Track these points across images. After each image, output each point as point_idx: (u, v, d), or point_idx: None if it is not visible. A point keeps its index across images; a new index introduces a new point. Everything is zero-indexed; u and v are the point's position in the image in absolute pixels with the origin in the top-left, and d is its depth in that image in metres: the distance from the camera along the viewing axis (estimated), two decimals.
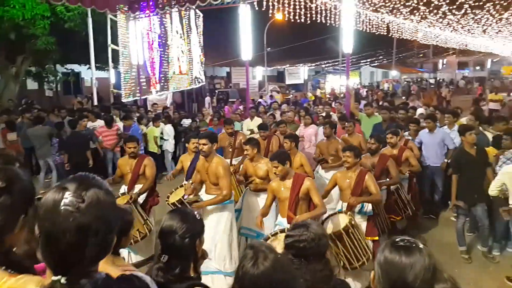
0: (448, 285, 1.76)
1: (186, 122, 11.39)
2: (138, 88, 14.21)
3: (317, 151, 7.14)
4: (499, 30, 21.98)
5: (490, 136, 6.90)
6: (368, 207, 4.81)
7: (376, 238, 4.75)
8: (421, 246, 1.52)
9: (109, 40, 13.94)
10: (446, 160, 6.95)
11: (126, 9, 13.08)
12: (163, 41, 15.68)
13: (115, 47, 13.97)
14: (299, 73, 41.30)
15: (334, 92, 29.40)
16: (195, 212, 2.27)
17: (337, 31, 16.56)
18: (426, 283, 1.45)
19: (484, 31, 21.84)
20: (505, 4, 13.28)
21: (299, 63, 38.49)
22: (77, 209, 1.12)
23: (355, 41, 9.47)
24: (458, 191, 5.64)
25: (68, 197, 1.13)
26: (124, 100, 13.99)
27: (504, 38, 26.31)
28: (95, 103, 14.24)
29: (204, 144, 4.80)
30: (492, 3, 13.33)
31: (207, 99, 23.76)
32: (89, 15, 13.07)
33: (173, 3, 11.81)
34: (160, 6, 12.24)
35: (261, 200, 5.26)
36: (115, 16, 13.42)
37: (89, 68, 14.53)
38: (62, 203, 1.12)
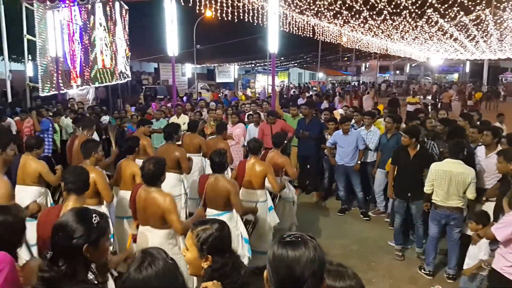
0: (352, 282, 1.76)
1: (106, 119, 10.84)
2: (56, 82, 13.38)
3: None
4: (416, 37, 23.56)
5: None
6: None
7: None
8: (307, 239, 1.51)
9: (24, 30, 12.98)
10: (358, 162, 7.22)
11: None
12: (85, 33, 14.90)
13: (31, 38, 13.04)
14: (230, 72, 41.30)
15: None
16: (101, 215, 2.07)
17: (265, 31, 16.75)
18: (314, 276, 1.44)
19: (402, 37, 23.30)
20: (419, 12, 14.24)
21: (230, 61, 38.49)
22: None
23: (284, 42, 9.64)
24: (395, 189, 5.84)
25: None
26: (41, 94, 13.13)
27: (420, 44, 28.26)
28: (9, 97, 13.24)
29: None
30: (408, 11, 14.22)
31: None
32: (0, 2, 12.05)
33: None
34: None
35: None
36: (31, 4, 12.54)
37: (3, 60, 13.46)
38: None
